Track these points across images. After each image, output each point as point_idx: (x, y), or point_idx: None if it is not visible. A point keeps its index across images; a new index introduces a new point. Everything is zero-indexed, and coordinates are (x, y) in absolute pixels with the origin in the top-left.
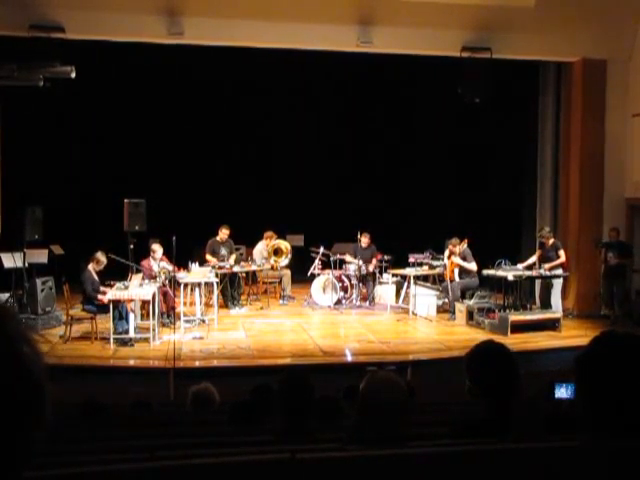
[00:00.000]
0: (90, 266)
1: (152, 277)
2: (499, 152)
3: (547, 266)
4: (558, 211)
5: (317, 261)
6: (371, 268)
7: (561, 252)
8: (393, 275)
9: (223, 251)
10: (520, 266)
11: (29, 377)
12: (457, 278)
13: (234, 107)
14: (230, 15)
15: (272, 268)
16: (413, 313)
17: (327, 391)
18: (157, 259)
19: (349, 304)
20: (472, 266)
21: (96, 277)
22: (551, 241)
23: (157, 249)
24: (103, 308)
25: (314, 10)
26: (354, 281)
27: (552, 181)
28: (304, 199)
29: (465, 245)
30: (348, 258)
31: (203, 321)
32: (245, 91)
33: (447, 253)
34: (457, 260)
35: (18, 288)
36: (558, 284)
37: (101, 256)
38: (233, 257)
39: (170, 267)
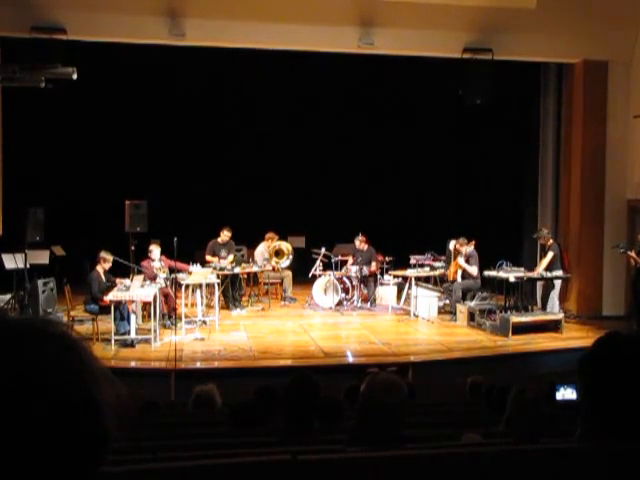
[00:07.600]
0: (98, 267)
1: (153, 278)
2: (500, 153)
3: (539, 269)
4: (559, 212)
5: (318, 262)
6: (373, 269)
7: (549, 254)
8: (394, 276)
9: (223, 252)
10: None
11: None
12: (460, 279)
13: (235, 108)
14: (232, 17)
15: (273, 269)
16: (414, 314)
17: (328, 392)
18: (155, 259)
19: (350, 305)
20: (472, 270)
21: (103, 278)
22: (549, 242)
23: (153, 249)
24: (105, 309)
25: (315, 12)
26: (355, 282)
27: (553, 182)
28: (305, 200)
29: (472, 247)
30: (350, 261)
31: (204, 322)
32: (246, 92)
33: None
34: (460, 261)
35: (19, 289)
36: (557, 285)
37: (107, 255)
38: (230, 258)
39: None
